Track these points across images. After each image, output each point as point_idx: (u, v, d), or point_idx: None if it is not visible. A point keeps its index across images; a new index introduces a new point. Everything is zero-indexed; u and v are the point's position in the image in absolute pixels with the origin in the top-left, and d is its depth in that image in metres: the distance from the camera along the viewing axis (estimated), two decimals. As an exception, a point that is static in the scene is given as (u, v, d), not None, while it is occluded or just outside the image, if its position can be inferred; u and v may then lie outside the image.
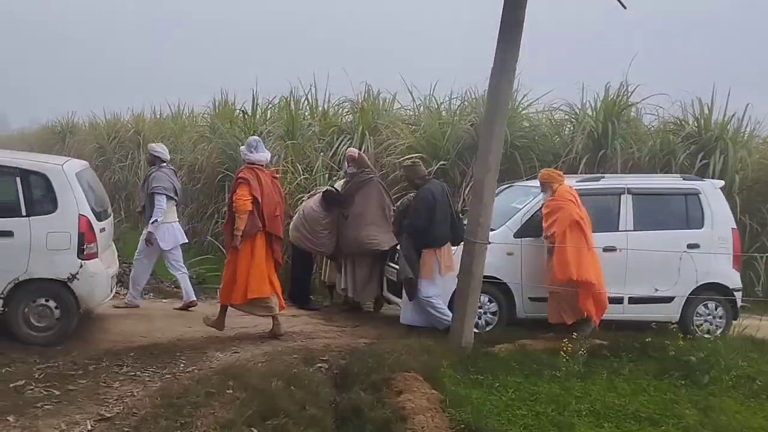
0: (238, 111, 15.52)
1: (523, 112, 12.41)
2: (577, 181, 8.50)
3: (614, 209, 8.35)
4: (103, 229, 7.79)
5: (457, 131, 11.96)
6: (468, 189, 11.58)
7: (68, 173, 7.49)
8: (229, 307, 7.96)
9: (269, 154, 8.14)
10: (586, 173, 11.17)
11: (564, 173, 10.76)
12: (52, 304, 7.34)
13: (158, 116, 21.14)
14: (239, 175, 7.81)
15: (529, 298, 8.10)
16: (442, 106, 13.12)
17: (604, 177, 8.72)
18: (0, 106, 50.34)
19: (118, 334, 7.78)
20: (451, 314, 7.67)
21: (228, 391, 5.63)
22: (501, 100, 6.78)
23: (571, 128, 12.41)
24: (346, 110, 14.61)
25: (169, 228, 9.17)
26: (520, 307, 8.09)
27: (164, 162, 9.30)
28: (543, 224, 7.92)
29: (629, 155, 11.75)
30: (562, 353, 7.08)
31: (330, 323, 8.82)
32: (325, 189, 10.00)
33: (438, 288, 7.90)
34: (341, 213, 9.25)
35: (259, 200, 7.60)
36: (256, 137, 8.15)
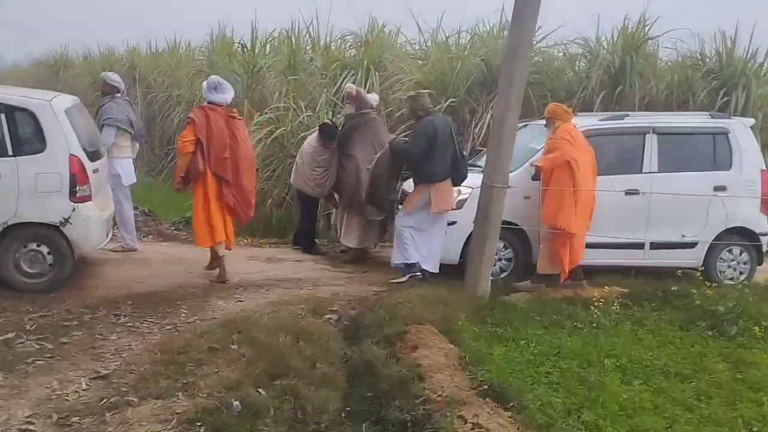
0: (236, 45, 14.78)
1: (536, 45, 11.70)
2: (599, 120, 7.95)
3: (638, 150, 7.81)
4: (96, 170, 7.27)
5: (467, 66, 11.31)
6: (477, 128, 11.05)
7: (57, 110, 6.92)
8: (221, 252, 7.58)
9: (231, 95, 7.72)
10: (601, 110, 10.62)
11: (579, 111, 10.24)
12: (44, 249, 6.88)
13: (154, 50, 20.31)
14: (189, 115, 7.53)
15: (549, 242, 7.64)
16: (450, 40, 12.42)
17: (628, 115, 8.14)
18: (-6, 40, 48.96)
19: (116, 281, 7.34)
20: (415, 257, 7.42)
21: (233, 347, 5.21)
22: (525, 30, 6.20)
23: (586, 63, 11.74)
24: (350, 44, 13.88)
25: (127, 163, 8.61)
26: (537, 253, 7.64)
27: (119, 92, 8.68)
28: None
29: (646, 91, 11.14)
30: (584, 303, 6.69)
31: (337, 269, 8.38)
32: (322, 123, 9.50)
33: (415, 222, 7.50)
34: (342, 152, 8.71)
35: (203, 142, 7.29)
36: (217, 77, 7.78)
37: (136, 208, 10.87)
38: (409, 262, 7.48)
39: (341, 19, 14.01)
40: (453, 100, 11.04)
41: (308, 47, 14.04)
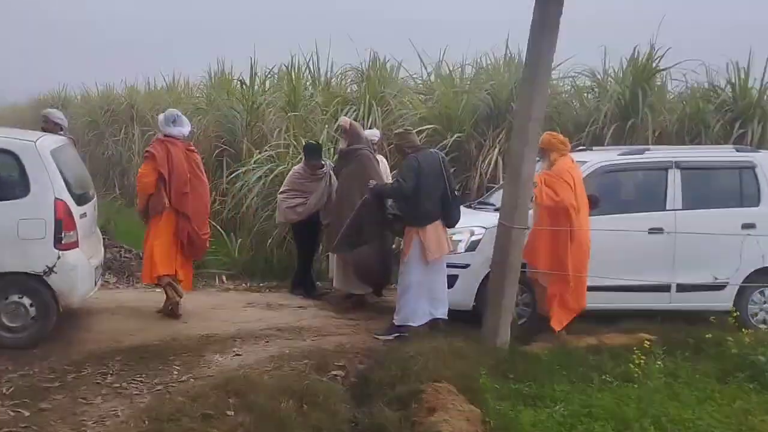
0: (235, 81, 14.33)
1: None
2: (619, 154, 7.42)
3: (660, 186, 7.27)
4: (84, 215, 6.72)
5: (472, 100, 10.84)
6: (485, 163, 10.54)
7: (42, 151, 6.41)
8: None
9: (189, 128, 7.65)
10: (612, 144, 10.13)
11: (591, 144, 9.74)
12: (26, 301, 6.30)
13: (152, 87, 19.91)
14: (146, 149, 7.31)
15: (568, 287, 7.06)
16: (454, 74, 11.97)
17: (648, 149, 7.62)
18: (-5, 80, 48.79)
19: (104, 333, 6.75)
20: (411, 319, 6.81)
21: (229, 413, 4.62)
22: (542, 60, 5.70)
23: (595, 96, 11.27)
24: (350, 80, 13.43)
25: None
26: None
27: (62, 130, 8.07)
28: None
29: (657, 125, 10.65)
30: (611, 352, 6.11)
31: (341, 316, 7.78)
32: (306, 141, 9.09)
33: (416, 275, 6.83)
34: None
35: (165, 176, 7.12)
36: (175, 110, 7.68)
37: (129, 251, 10.37)
38: (402, 324, 6.87)
39: (341, 54, 13.48)
40: (459, 135, 10.53)
41: (308, 83, 13.60)
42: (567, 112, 11.19)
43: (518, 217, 5.82)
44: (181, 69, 19.12)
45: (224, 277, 9.84)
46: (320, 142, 10.95)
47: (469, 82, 11.71)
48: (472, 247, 7.02)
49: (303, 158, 8.70)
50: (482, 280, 6.82)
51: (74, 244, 6.44)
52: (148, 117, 18.26)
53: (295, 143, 10.94)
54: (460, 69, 12.10)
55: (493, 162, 10.40)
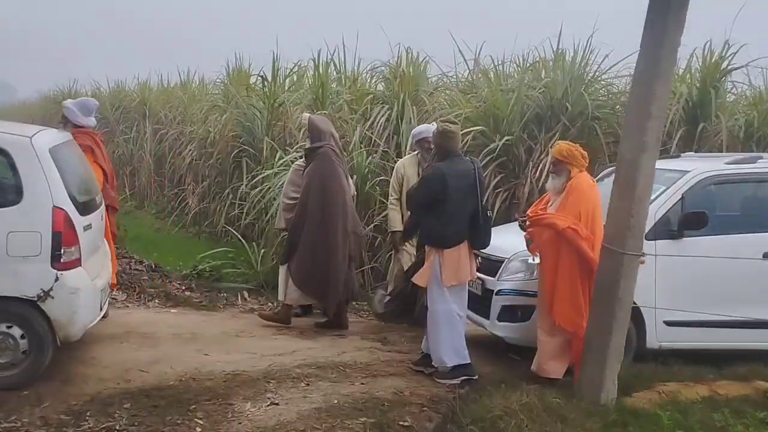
0: (255, 77, 13.05)
1: (603, 77, 9.97)
2: (726, 163, 6.12)
3: (779, 201, 5.99)
4: (89, 226, 5.45)
5: (521, 99, 9.54)
6: (537, 170, 9.24)
7: (39, 149, 5.14)
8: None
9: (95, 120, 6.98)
10: (681, 149, 8.83)
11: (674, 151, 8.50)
12: (16, 332, 5.04)
13: (165, 84, 18.68)
14: (81, 142, 6.35)
15: (664, 321, 5.76)
16: (499, 70, 10.65)
17: (761, 157, 6.29)
18: (6, 76, 47.66)
19: (110, 368, 5.48)
20: (464, 354, 5.60)
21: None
22: (667, 42, 4.39)
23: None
24: (381, 76, 12.11)
25: None
26: (652, 333, 5.75)
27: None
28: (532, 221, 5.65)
29: (727, 129, 9.35)
30: (730, 406, 4.83)
31: (387, 345, 6.51)
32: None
33: (453, 299, 5.69)
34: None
35: (106, 170, 6.64)
36: (89, 99, 7.10)
37: (140, 262, 9.11)
38: (461, 363, 5.63)
39: (368, 50, 12.17)
40: (508, 138, 9.24)
41: (333, 80, 12.31)
42: (623, 114, 9.86)
43: (632, 241, 4.52)
44: (195, 65, 17.95)
45: (246, 294, 8.56)
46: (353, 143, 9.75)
47: (512, 80, 10.40)
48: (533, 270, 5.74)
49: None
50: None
51: (76, 263, 5.17)
52: (161, 115, 17.09)
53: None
54: (503, 65, 10.78)
55: (545, 168, 9.10)
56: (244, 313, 7.70)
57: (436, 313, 5.70)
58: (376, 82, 12.23)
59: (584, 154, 5.64)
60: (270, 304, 8.05)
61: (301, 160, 7.43)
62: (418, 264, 6.09)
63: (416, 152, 7.37)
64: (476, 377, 5.55)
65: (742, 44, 9.33)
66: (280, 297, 7.03)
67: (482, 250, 5.93)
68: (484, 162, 9.19)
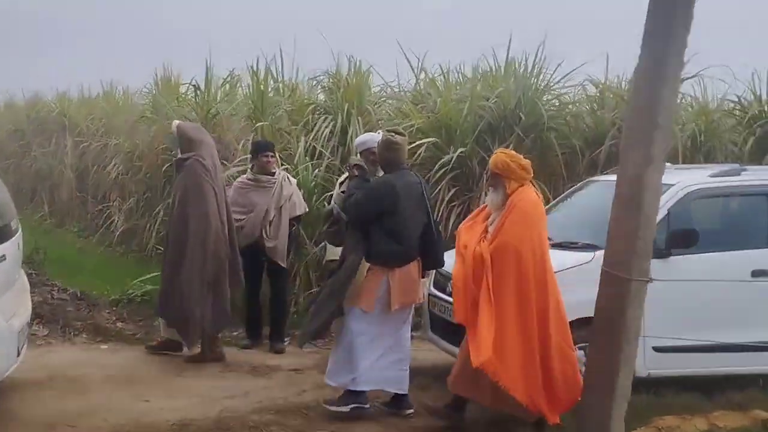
0: (187, 86, 12.13)
1: (555, 86, 9.54)
2: (710, 175, 5.70)
3: (765, 216, 5.58)
4: (2, 258, 4.55)
5: (475, 110, 9.02)
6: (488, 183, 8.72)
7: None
8: None
9: None
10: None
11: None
12: None
13: (86, 95, 17.40)
14: None
15: (653, 348, 5.26)
16: (448, 80, 10.09)
17: (746, 170, 5.89)
18: None
19: (32, 425, 4.58)
20: (364, 382, 5.00)
21: None
22: (673, 41, 3.88)
23: (599, 107, 9.57)
24: (321, 86, 11.38)
25: None
26: (640, 361, 5.21)
27: None
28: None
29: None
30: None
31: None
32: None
33: (373, 326, 5.09)
34: None
35: None
36: None
37: (64, 290, 8.09)
38: (355, 389, 5.02)
39: (306, 59, 11.40)
40: (462, 150, 8.70)
41: (270, 89, 11.50)
42: (577, 124, 9.48)
43: (638, 265, 3.97)
44: (118, 76, 16.74)
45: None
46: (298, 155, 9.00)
47: (461, 89, 9.87)
48: None
49: (251, 163, 7.06)
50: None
51: (-14, 302, 4.28)
52: (82, 126, 15.85)
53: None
54: (448, 74, 10.23)
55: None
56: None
57: (359, 335, 5.04)
58: (316, 92, 11.50)
59: (524, 165, 4.91)
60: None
61: (245, 176, 6.70)
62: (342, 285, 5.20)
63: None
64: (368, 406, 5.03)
65: (693, 53, 9.04)
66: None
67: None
68: (437, 175, 8.65)
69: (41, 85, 18.27)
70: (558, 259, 5.05)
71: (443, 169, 8.64)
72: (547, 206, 6.70)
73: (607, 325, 4.11)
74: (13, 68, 20.54)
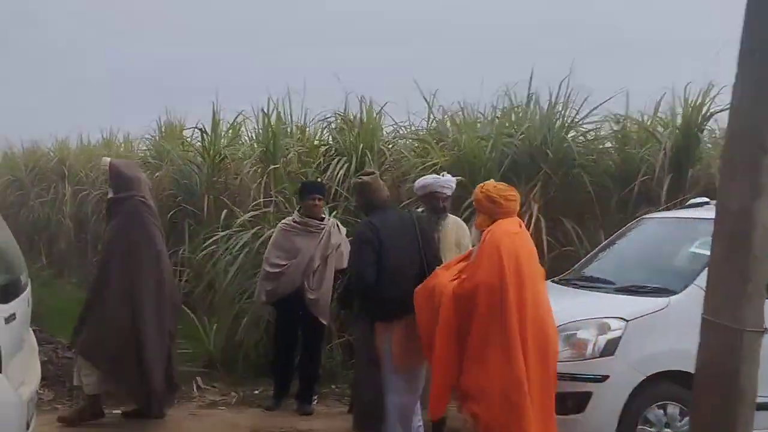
0: (193, 129, 11.67)
1: (585, 121, 9.09)
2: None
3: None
4: (11, 317, 3.96)
5: (499, 147, 8.56)
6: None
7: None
8: None
9: None
10: (668, 199, 8.04)
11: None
12: None
13: (85, 143, 16.95)
14: None
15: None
16: (466, 118, 9.64)
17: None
18: None
19: None
20: None
21: None
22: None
23: (637, 143, 9.11)
24: (331, 127, 10.92)
25: None
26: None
27: None
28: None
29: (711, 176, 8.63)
30: None
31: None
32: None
33: (398, 389, 4.69)
34: None
35: None
36: None
37: (68, 347, 7.41)
38: None
39: (313, 101, 10.96)
40: (489, 189, 8.17)
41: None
42: (603, 161, 9.02)
43: (751, 313, 3.44)
44: (117, 123, 16.30)
45: (199, 380, 7.05)
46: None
47: (481, 125, 9.44)
48: (610, 349, 4.53)
49: (298, 206, 6.46)
50: (628, 398, 4.39)
51: (-7, 370, 3.68)
52: (81, 175, 15.33)
53: (282, 200, 8.38)
54: (464, 112, 9.79)
55: (526, 222, 8.07)
56: (204, 408, 6.21)
57: (388, 405, 4.69)
58: (326, 133, 11.04)
59: (511, 193, 4.64)
60: (234, 393, 6.57)
61: (289, 218, 6.15)
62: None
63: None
64: None
65: (723, 86, 8.65)
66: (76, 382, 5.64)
67: None
68: (463, 216, 8.13)
69: (39, 131, 17.81)
70: (628, 306, 4.53)
71: (469, 209, 8.13)
72: (596, 247, 6.23)
73: (715, 385, 3.54)
74: (10, 115, 20.06)
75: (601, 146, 9.23)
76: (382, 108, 10.16)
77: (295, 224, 6.22)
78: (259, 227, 8.01)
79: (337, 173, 9.08)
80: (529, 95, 9.16)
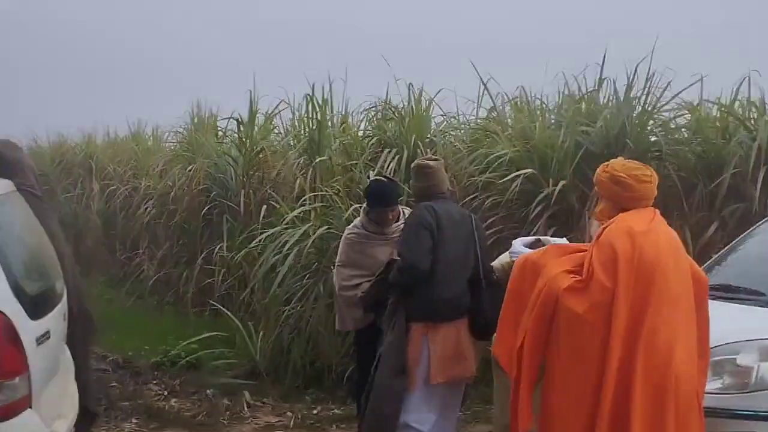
0: (227, 120, 10.88)
1: (665, 108, 8.14)
2: None
3: None
4: (45, 336, 3.13)
5: (574, 137, 7.64)
6: (590, 221, 7.30)
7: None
8: None
9: None
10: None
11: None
12: None
13: (113, 136, 16.25)
14: None
15: None
16: (532, 105, 8.72)
17: None
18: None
19: None
20: None
21: None
22: None
23: (718, 132, 8.15)
24: (377, 117, 10.05)
25: None
26: None
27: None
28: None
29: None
30: None
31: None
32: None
33: (422, 407, 4.00)
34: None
35: None
36: None
37: (104, 358, 6.67)
38: None
39: (353, 89, 10.09)
40: (564, 182, 7.30)
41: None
42: (682, 153, 8.05)
43: None
44: (145, 114, 15.56)
45: (247, 395, 6.23)
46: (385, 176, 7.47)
47: (551, 114, 8.52)
48: (740, 383, 3.60)
49: (365, 208, 5.12)
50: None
51: (21, 404, 2.86)
52: (109, 170, 14.60)
53: (337, 199, 7.49)
54: (528, 99, 8.86)
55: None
56: (258, 430, 5.34)
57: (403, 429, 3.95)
58: (371, 122, 10.16)
59: (623, 179, 3.39)
60: (289, 413, 5.72)
61: (356, 224, 5.03)
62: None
63: None
64: None
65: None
66: None
67: None
68: (535, 212, 7.25)
69: (64, 123, 17.09)
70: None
71: (541, 205, 7.25)
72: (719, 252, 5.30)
73: None
74: (36, 107, 19.38)
75: (678, 136, 8.24)
76: (434, 96, 9.29)
77: (367, 233, 4.91)
78: (310, 224, 7.15)
79: (388, 166, 8.24)
80: (600, 79, 8.21)
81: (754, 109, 8.03)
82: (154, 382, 6.38)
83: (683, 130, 8.33)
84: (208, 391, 6.28)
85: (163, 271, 11.14)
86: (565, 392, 3.22)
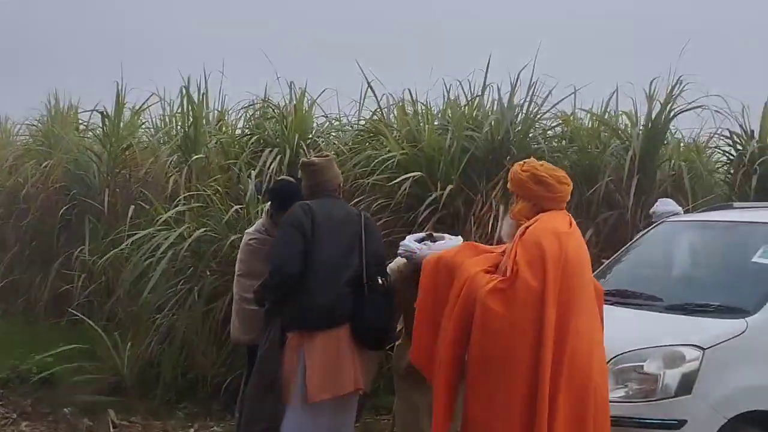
0: (92, 111, 9.97)
1: (546, 115, 8.23)
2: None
3: None
4: None
5: (460, 141, 7.54)
6: (476, 226, 7.25)
7: None
8: None
9: None
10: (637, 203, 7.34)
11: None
12: None
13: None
14: None
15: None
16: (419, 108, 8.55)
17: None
18: None
19: None
20: None
21: None
22: None
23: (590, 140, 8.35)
24: (256, 116, 9.54)
25: None
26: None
27: None
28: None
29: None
30: None
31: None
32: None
33: (307, 427, 3.69)
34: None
35: None
36: None
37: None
38: None
39: (231, 85, 9.54)
40: (451, 186, 7.19)
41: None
42: (558, 160, 8.17)
43: None
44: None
45: (112, 413, 5.60)
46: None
47: (430, 117, 8.39)
48: (686, 385, 3.48)
49: (267, 210, 4.78)
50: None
51: None
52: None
53: (217, 201, 6.93)
54: (415, 103, 8.69)
55: (489, 224, 7.10)
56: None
57: None
58: (249, 121, 9.63)
59: (545, 178, 3.28)
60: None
61: (257, 227, 4.57)
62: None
63: None
64: None
65: (686, 83, 8.01)
66: None
67: None
68: (423, 216, 7.07)
69: None
70: (700, 330, 3.59)
71: (430, 208, 7.09)
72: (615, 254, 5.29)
73: None
74: None
75: (556, 143, 8.40)
76: (318, 96, 8.94)
77: (272, 237, 4.30)
78: (185, 226, 6.58)
79: (270, 166, 7.78)
80: (485, 85, 8.18)
81: (626, 120, 8.35)
82: (0, 403, 5.60)
83: (561, 139, 8.51)
84: (65, 410, 5.77)
85: (12, 277, 10.07)
86: (491, 403, 3.00)
